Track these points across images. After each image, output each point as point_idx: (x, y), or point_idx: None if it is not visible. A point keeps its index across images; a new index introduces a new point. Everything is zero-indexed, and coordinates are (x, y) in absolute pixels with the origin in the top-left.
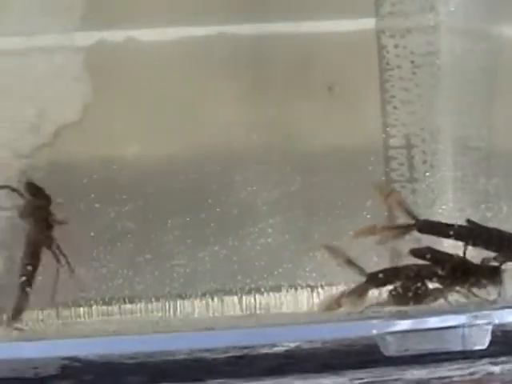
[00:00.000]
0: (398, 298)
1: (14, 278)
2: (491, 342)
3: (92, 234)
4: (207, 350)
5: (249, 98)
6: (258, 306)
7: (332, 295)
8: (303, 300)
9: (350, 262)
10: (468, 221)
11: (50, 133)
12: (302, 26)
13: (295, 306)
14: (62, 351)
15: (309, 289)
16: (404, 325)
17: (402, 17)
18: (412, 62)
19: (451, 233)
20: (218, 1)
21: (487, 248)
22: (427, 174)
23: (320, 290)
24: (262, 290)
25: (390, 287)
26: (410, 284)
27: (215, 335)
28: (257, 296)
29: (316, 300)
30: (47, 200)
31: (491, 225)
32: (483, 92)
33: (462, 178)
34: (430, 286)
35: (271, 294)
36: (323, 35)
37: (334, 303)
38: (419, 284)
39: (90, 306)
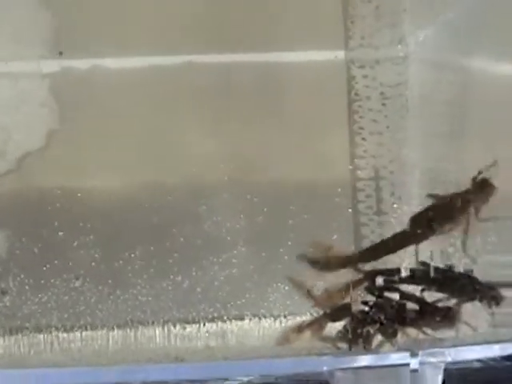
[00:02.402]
0: (346, 337)
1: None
2: (444, 381)
3: (55, 261)
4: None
5: (216, 127)
6: (220, 334)
7: (290, 328)
8: (266, 329)
9: (310, 295)
10: (422, 263)
11: (15, 158)
12: (271, 56)
13: (258, 334)
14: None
15: (272, 318)
16: (355, 361)
17: (372, 48)
18: (381, 93)
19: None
20: (186, 30)
21: (441, 291)
22: (395, 206)
23: (283, 319)
24: (225, 318)
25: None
26: (362, 323)
27: (166, 368)
28: (219, 324)
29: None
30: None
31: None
32: (452, 124)
33: None
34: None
35: (234, 322)
36: (292, 65)
37: (292, 335)
38: (370, 323)
39: (50, 332)
